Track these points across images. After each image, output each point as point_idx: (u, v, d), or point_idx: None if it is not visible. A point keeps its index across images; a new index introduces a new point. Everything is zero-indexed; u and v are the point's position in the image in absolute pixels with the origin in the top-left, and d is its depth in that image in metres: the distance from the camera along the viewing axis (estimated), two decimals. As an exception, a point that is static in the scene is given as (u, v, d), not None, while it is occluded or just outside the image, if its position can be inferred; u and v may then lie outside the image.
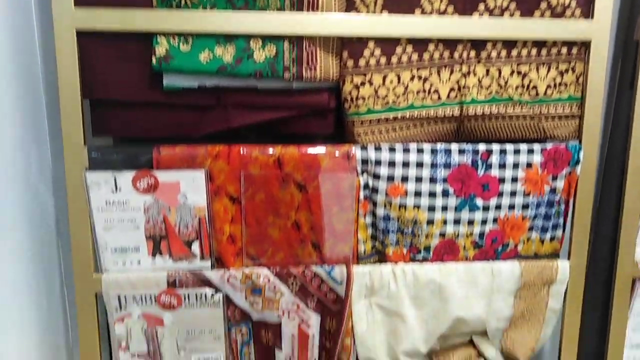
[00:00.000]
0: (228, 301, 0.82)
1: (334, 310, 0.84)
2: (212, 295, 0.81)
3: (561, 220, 0.87)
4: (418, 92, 0.79)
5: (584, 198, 0.86)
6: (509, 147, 0.82)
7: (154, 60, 0.73)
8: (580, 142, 0.84)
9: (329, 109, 0.79)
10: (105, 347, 0.84)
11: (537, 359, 0.98)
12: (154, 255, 0.80)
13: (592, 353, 0.97)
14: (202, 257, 0.81)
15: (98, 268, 0.80)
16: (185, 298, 0.81)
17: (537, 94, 0.81)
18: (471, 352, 0.91)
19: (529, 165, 0.82)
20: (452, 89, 0.80)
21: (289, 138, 0.80)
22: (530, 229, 0.87)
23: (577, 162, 0.83)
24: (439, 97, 0.80)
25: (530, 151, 0.82)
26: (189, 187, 0.77)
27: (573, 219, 0.87)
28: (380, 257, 0.86)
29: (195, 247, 0.81)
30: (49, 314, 0.87)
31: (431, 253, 0.85)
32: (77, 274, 0.79)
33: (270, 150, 0.78)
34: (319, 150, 0.79)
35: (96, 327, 0.82)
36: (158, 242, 0.80)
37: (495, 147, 0.81)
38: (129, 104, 0.75)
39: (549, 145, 0.83)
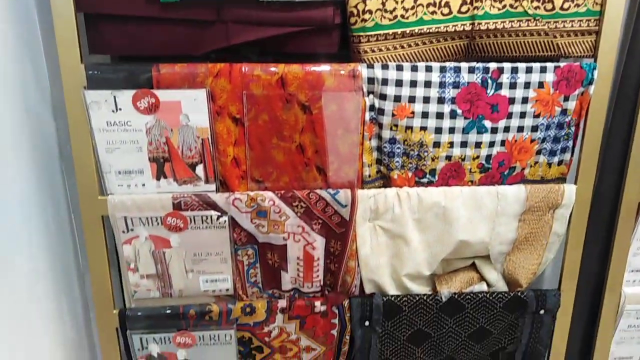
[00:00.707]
0: (234, 223, 0.82)
1: (338, 233, 0.85)
2: (218, 217, 0.81)
3: (570, 143, 0.86)
4: (428, 6, 0.75)
5: (595, 120, 0.84)
6: (521, 65, 0.79)
7: (149, -30, 0.69)
8: (595, 60, 0.81)
9: (333, 24, 0.76)
10: (115, 271, 0.86)
11: (538, 283, 0.99)
12: (158, 178, 0.80)
13: (593, 277, 0.98)
14: (207, 181, 0.81)
15: (103, 191, 0.80)
16: (191, 220, 0.81)
17: (553, 7, 0.77)
18: (473, 275, 0.93)
19: (540, 84, 0.80)
20: (463, 2, 0.75)
21: (292, 58, 0.77)
22: (539, 152, 0.85)
23: (591, 81, 0.81)
24: (450, 11, 0.76)
25: (543, 69, 0.79)
26: (191, 107, 0.75)
27: (582, 141, 0.85)
28: (385, 181, 0.86)
29: (200, 170, 0.80)
30: (58, 240, 0.88)
31: (436, 176, 0.84)
32: (83, 196, 0.79)
33: (273, 69, 0.75)
34: (323, 68, 0.76)
35: (104, 249, 0.83)
36: (162, 164, 0.79)
37: (507, 65, 0.78)
38: (126, 19, 0.72)
39: (563, 64, 0.79)
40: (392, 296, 0.88)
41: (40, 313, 0.82)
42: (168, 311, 0.86)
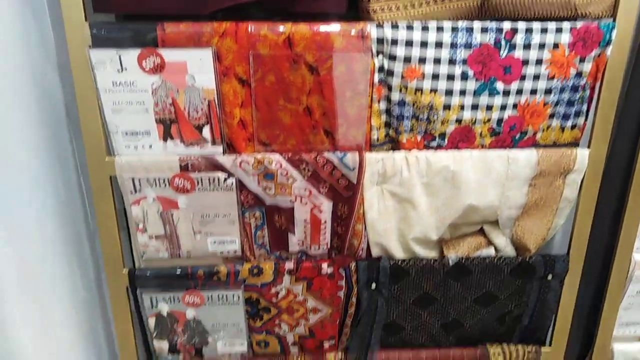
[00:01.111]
0: (241, 186, 0.82)
1: (345, 196, 0.84)
2: (225, 179, 0.81)
3: (585, 107, 0.83)
4: (440, -39, 0.73)
5: (611, 83, 0.81)
6: (536, 25, 0.76)
7: None
8: (614, 20, 0.77)
9: (342, -18, 0.74)
10: (125, 231, 0.87)
11: (547, 248, 0.99)
12: (165, 139, 0.80)
13: (602, 243, 0.97)
14: (214, 142, 0.81)
15: (110, 152, 0.80)
16: (198, 182, 0.81)
17: (572, -37, 0.74)
18: (481, 240, 0.92)
19: (555, 45, 0.77)
20: (478, -43, 0.73)
21: (299, 18, 0.75)
22: (552, 116, 0.83)
23: (609, 42, 0.78)
24: (463, -33, 0.73)
25: (559, 30, 0.76)
26: (197, 68, 0.74)
27: (597, 105, 0.83)
28: (394, 145, 0.85)
29: (206, 131, 0.80)
30: (67, 201, 0.88)
31: (446, 140, 0.83)
32: (90, 157, 0.79)
33: (280, 28, 0.74)
34: (332, 28, 0.74)
35: (113, 209, 0.84)
36: (168, 126, 0.79)
37: (521, 25, 0.76)
38: (129, -25, 0.71)
39: (579, 24, 0.77)
40: (398, 260, 0.89)
41: (52, 273, 0.84)
42: (177, 271, 0.87)
